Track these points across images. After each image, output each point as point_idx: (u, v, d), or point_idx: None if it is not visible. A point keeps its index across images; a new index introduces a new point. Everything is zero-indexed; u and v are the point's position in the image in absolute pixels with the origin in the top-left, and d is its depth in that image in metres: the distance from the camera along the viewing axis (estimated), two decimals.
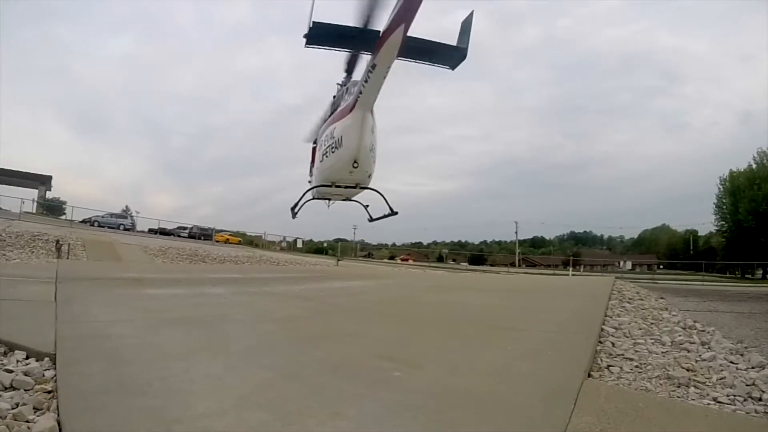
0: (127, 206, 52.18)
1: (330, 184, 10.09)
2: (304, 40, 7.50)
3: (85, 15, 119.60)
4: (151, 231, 36.12)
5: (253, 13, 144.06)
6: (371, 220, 11.93)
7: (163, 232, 35.38)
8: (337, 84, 10.74)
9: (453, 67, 8.49)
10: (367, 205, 11.82)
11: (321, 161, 10.02)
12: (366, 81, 7.98)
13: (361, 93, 8.30)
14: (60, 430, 1.95)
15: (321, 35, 7.52)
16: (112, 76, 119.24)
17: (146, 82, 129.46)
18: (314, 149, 10.88)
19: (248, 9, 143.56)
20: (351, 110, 8.77)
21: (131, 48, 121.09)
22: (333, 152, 9.36)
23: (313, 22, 7.22)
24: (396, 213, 10.71)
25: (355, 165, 9.10)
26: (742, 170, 41.41)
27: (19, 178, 38.14)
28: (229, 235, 41.37)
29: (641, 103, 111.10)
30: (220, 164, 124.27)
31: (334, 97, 10.55)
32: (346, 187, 10.28)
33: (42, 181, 41.53)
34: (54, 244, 15.57)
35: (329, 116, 10.46)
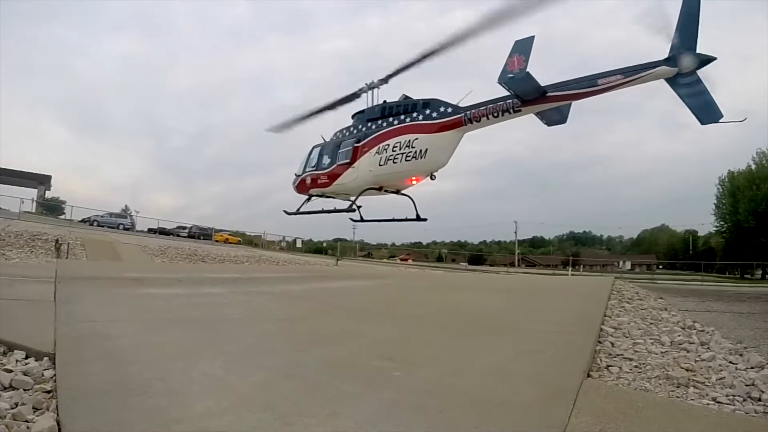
0: (126, 206, 52.10)
1: (379, 187, 10.54)
2: (507, 79, 7.97)
3: (85, 15, 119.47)
4: (150, 230, 36.00)
5: (252, 14, 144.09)
6: (360, 220, 12.31)
7: (162, 232, 35.26)
8: (365, 84, 10.93)
9: (549, 125, 9.22)
10: (360, 206, 12.02)
11: (381, 164, 10.17)
12: (495, 116, 8.80)
13: (478, 121, 9.03)
14: (59, 429, 1.95)
15: (522, 84, 7.93)
16: (112, 76, 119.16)
17: (146, 82, 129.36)
18: (357, 149, 10.65)
19: (247, 9, 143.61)
20: (443, 128, 9.50)
21: (131, 48, 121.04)
22: (408, 161, 9.78)
23: (527, 73, 7.75)
24: (425, 219, 11.25)
25: (433, 178, 10.06)
26: (742, 170, 41.50)
27: (18, 178, 38.06)
28: (229, 234, 41.24)
29: (641, 103, 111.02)
30: (219, 164, 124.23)
31: (386, 101, 10.77)
32: (390, 191, 10.89)
33: (41, 181, 41.45)
34: (53, 243, 15.54)
35: (376, 120, 10.70)
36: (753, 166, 40.59)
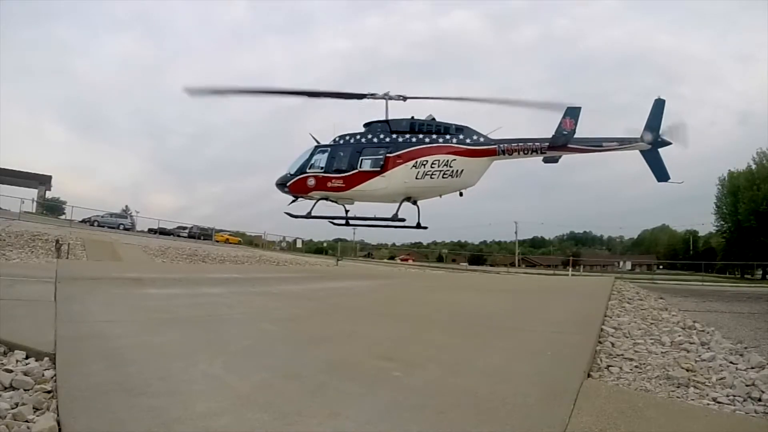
0: (126, 206, 52.01)
1: (408, 197, 11.45)
2: (562, 135, 10.24)
3: (85, 15, 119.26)
4: (150, 231, 35.98)
5: (252, 14, 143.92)
6: (346, 224, 12.64)
7: (162, 232, 35.23)
8: (382, 94, 11.57)
9: (546, 162, 11.19)
10: (348, 210, 12.29)
11: (418, 178, 11.01)
12: (525, 153, 10.77)
13: (510, 154, 10.87)
14: (60, 429, 1.95)
15: (567, 139, 10.30)
16: (112, 76, 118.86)
17: (146, 82, 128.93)
18: (389, 159, 11.15)
19: (246, 9, 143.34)
20: (478, 154, 10.94)
21: (131, 48, 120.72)
22: (444, 178, 10.95)
23: (574, 133, 10.25)
24: (425, 227, 12.16)
25: (461, 194, 11.31)
26: (742, 171, 41.42)
27: (18, 178, 38.06)
28: (229, 235, 41.20)
29: (640, 104, 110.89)
30: (220, 164, 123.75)
31: (413, 117, 11.52)
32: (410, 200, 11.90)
33: (42, 181, 41.45)
34: (54, 243, 15.55)
35: (404, 133, 11.37)
36: (753, 166, 40.53)
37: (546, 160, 10.99)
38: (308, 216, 12.17)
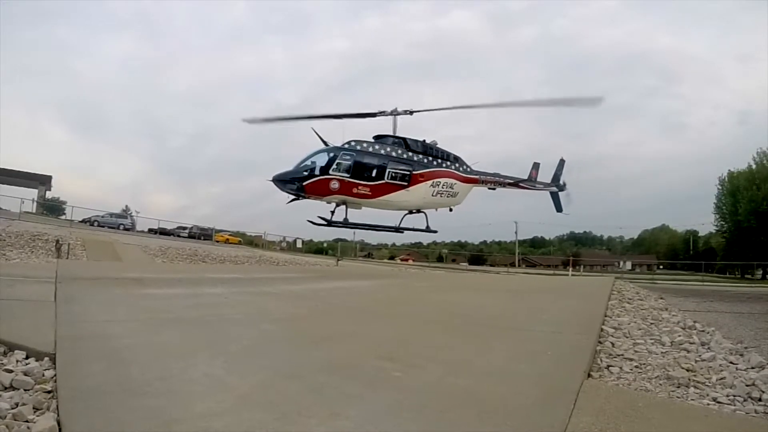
0: (126, 206, 52.05)
1: (417, 210, 13.44)
2: (528, 182, 15.87)
3: (85, 15, 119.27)
4: (150, 231, 35.96)
5: (251, 14, 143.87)
6: (328, 225, 13.08)
7: (162, 232, 35.20)
8: (390, 110, 12.87)
9: (492, 189, 15.07)
10: (333, 212, 12.89)
11: (433, 196, 13.16)
12: (495, 183, 14.77)
13: (484, 183, 14.45)
14: (60, 430, 1.95)
15: (527, 183, 15.65)
16: (112, 76, 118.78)
17: (146, 82, 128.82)
18: (414, 176, 12.66)
19: (245, 10, 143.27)
20: (468, 181, 13.95)
21: (131, 48, 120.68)
22: (448, 198, 13.50)
23: (537, 180, 15.76)
24: (435, 231, 14.57)
25: (451, 210, 14.05)
26: (741, 170, 41.33)
27: (18, 178, 37.99)
28: (229, 235, 41.15)
29: (640, 103, 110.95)
30: (220, 164, 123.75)
31: (426, 143, 13.43)
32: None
33: (42, 181, 41.38)
34: (54, 243, 15.54)
35: (418, 153, 13.06)
36: (753, 166, 40.48)
37: (489, 188, 14.74)
38: (345, 224, 12.72)
